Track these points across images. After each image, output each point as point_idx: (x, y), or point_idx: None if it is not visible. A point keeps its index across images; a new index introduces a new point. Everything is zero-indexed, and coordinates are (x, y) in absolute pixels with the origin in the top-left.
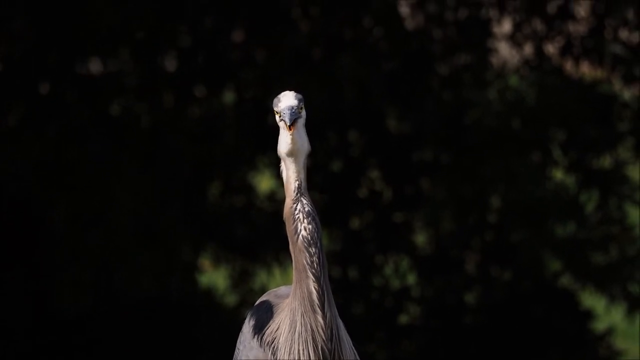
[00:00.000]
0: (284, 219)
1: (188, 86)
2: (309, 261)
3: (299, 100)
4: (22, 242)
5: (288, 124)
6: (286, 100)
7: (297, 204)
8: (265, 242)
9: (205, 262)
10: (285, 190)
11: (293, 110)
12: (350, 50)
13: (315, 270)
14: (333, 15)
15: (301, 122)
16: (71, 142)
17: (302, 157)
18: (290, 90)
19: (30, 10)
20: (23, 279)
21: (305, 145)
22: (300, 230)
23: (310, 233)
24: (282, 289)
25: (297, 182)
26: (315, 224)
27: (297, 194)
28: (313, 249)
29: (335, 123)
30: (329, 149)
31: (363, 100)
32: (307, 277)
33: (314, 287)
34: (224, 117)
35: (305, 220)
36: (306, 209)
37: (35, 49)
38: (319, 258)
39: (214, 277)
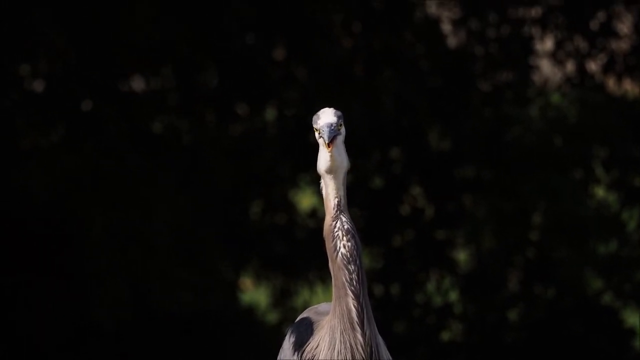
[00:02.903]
0: (324, 236)
1: (229, 103)
2: (348, 278)
3: (338, 117)
4: (62, 257)
5: (327, 141)
6: (325, 117)
7: (337, 222)
8: (306, 260)
9: (246, 281)
10: (325, 207)
11: (332, 128)
12: (391, 67)
13: (355, 287)
14: (374, 32)
15: (340, 139)
16: (111, 158)
17: (342, 174)
18: (330, 107)
19: (73, 29)
20: (62, 293)
21: (344, 162)
22: (340, 247)
23: (350, 250)
24: (323, 306)
25: (337, 199)
26: (355, 241)
27: (336, 211)
28: (352, 266)
29: (377, 140)
30: (370, 165)
31: (404, 117)
32: (347, 294)
33: (353, 305)
34: (265, 135)
35: (344, 238)
36: (345, 227)
37: (77, 66)
38: (358, 275)
39: (255, 295)
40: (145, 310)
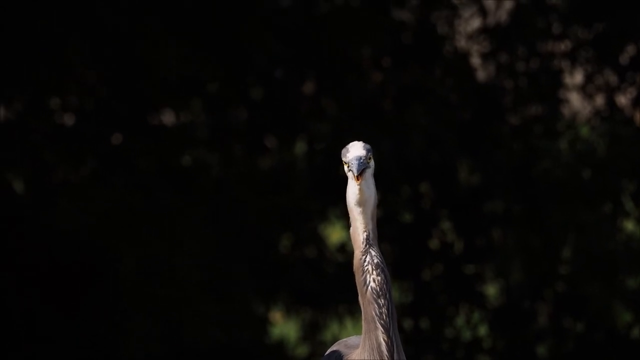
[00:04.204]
0: (353, 270)
1: (259, 137)
2: (377, 312)
3: (367, 151)
4: (93, 293)
5: (356, 174)
6: (354, 151)
7: (366, 256)
8: (336, 293)
9: (276, 314)
10: (353, 241)
11: (361, 161)
12: (420, 101)
13: (385, 321)
14: (404, 66)
15: (369, 172)
16: (141, 193)
17: (370, 208)
18: (359, 140)
19: (104, 62)
20: (93, 329)
21: (373, 196)
22: (370, 281)
23: (379, 284)
24: (353, 339)
25: (366, 233)
26: (385, 275)
27: (365, 245)
28: (382, 300)
29: (406, 174)
30: (399, 200)
31: (433, 151)
32: (376, 328)
33: (383, 339)
34: (295, 168)
35: (374, 272)
36: (375, 261)
37: (107, 100)
38: (388, 309)
39: (286, 328)
40: (176, 346)
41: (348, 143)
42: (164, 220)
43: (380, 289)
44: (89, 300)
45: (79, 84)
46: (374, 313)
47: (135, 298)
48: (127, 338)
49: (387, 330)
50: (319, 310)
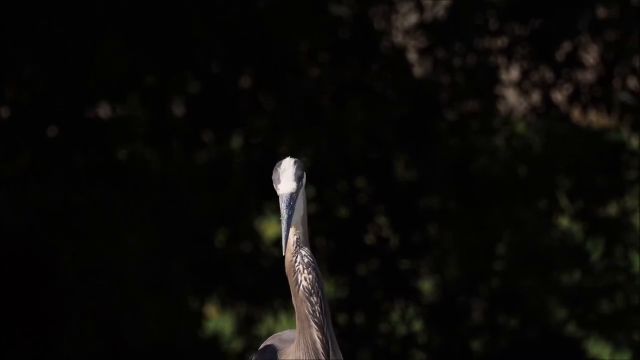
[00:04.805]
0: (285, 272)
1: (196, 132)
2: (310, 310)
3: (299, 178)
4: (28, 290)
5: (285, 216)
6: (286, 182)
7: (297, 256)
8: (271, 288)
9: (211, 309)
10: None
11: (291, 201)
12: (358, 97)
13: (318, 319)
14: (341, 62)
15: (301, 191)
16: (78, 187)
17: (300, 215)
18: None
19: (39, 55)
20: (29, 327)
21: (302, 207)
22: (301, 281)
23: (311, 283)
24: (287, 333)
25: (296, 236)
26: (316, 273)
27: (296, 247)
28: (314, 298)
29: (343, 169)
30: (336, 194)
31: (371, 146)
32: (310, 326)
33: (318, 336)
34: (232, 163)
35: (305, 271)
36: (305, 260)
37: (43, 93)
38: (321, 307)
39: (220, 323)
40: (113, 342)
41: (285, 139)
42: (101, 215)
43: (312, 287)
44: (24, 297)
45: (14, 77)
46: (307, 311)
47: (72, 294)
48: (64, 334)
49: (321, 328)
50: (254, 304)
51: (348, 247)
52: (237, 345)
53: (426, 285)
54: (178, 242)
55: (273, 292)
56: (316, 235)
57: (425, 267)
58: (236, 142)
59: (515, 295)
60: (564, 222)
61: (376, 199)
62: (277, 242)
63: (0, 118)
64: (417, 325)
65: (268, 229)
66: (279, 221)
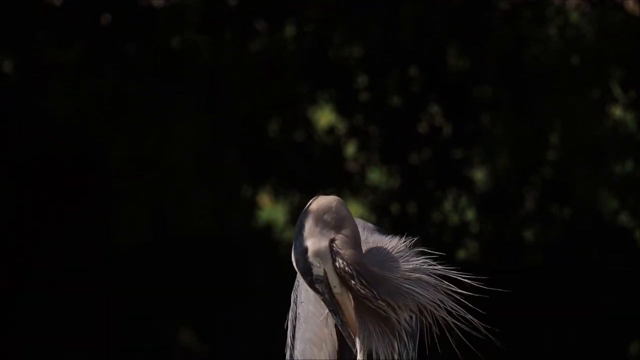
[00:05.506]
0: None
1: (249, 20)
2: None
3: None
4: (81, 178)
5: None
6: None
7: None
8: (324, 177)
9: (264, 198)
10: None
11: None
12: None
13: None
14: None
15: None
16: (131, 75)
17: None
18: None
19: None
20: (81, 215)
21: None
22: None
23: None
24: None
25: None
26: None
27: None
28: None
29: (395, 58)
30: (388, 84)
31: (423, 36)
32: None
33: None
34: (285, 52)
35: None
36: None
37: None
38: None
39: (274, 212)
40: (164, 231)
41: (338, 28)
42: (153, 103)
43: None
44: (77, 185)
45: None
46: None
47: (124, 183)
48: (116, 223)
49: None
50: (306, 193)
51: (401, 136)
52: (289, 234)
53: (478, 175)
54: (231, 131)
55: (326, 181)
56: (369, 124)
57: (477, 156)
58: (289, 30)
59: (567, 185)
60: (617, 111)
61: (429, 88)
62: (330, 131)
63: (54, 5)
64: (470, 214)
65: (321, 118)
66: (332, 110)
